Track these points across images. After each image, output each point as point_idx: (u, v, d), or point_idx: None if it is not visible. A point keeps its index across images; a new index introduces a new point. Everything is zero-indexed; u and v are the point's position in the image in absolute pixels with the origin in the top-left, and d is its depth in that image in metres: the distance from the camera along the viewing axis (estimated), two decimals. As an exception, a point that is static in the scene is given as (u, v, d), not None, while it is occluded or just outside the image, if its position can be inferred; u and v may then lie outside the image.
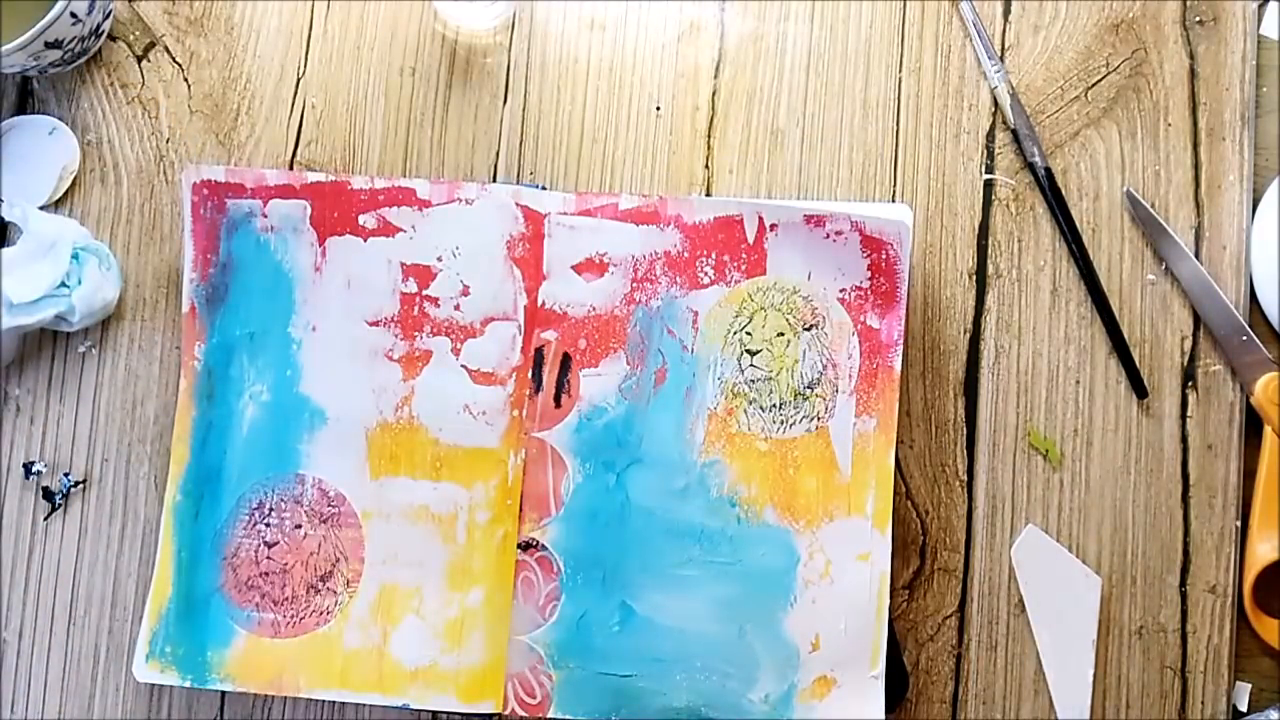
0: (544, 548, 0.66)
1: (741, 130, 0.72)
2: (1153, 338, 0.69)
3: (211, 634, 0.67)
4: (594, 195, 0.69)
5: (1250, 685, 0.67)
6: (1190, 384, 0.69)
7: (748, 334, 0.67)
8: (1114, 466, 0.68)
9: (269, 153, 0.73)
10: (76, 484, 0.71)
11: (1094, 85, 0.71)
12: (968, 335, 0.70)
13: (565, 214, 0.68)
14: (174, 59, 0.74)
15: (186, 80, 0.73)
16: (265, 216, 0.69)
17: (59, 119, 0.73)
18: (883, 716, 0.64)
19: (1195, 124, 0.70)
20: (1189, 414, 0.69)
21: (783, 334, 0.67)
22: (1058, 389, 0.69)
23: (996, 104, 0.71)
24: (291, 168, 0.72)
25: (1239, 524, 0.68)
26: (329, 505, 0.68)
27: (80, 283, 0.69)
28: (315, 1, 0.74)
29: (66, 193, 0.73)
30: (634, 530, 0.66)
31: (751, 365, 0.67)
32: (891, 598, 0.66)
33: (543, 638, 0.66)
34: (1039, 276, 0.70)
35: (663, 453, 0.67)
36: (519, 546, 0.67)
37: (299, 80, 0.73)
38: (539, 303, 0.68)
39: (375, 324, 0.69)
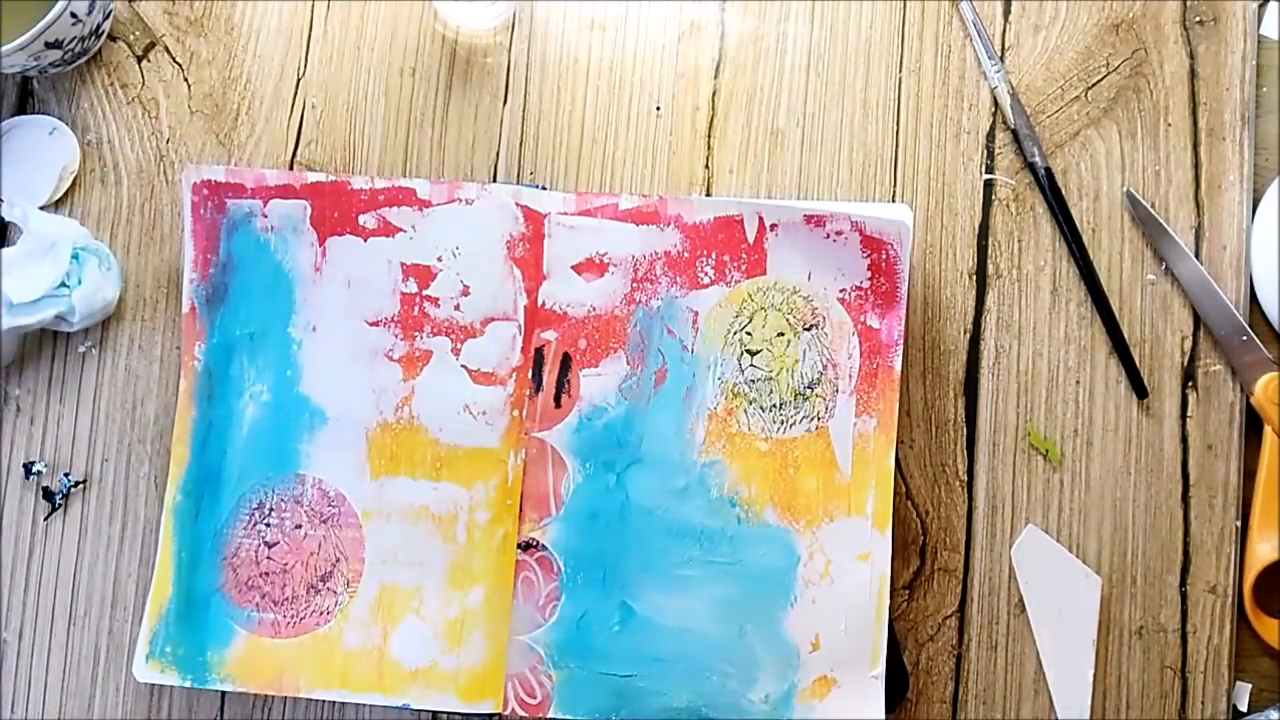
0: (544, 548, 0.66)
1: (741, 130, 0.72)
2: (1153, 338, 0.69)
3: (212, 634, 0.67)
4: (594, 195, 0.69)
5: (1250, 685, 0.67)
6: (1190, 384, 0.69)
7: (748, 334, 0.67)
8: (1114, 466, 0.68)
9: (269, 153, 0.73)
10: (76, 484, 0.71)
11: (1094, 85, 0.71)
12: (968, 335, 0.70)
13: (565, 214, 0.68)
14: (174, 59, 0.74)
15: (186, 80, 0.73)
16: (265, 216, 0.69)
17: (59, 119, 0.73)
18: (883, 716, 0.64)
19: (1195, 124, 0.70)
20: (1189, 414, 0.69)
21: (783, 334, 0.67)
22: (1058, 389, 0.69)
23: (996, 104, 0.71)
24: (291, 168, 0.72)
25: (1239, 524, 0.68)
26: (329, 505, 0.68)
27: (80, 283, 0.69)
28: (315, 1, 0.74)
29: (66, 193, 0.73)
30: (634, 530, 0.66)
31: (751, 365, 0.67)
32: (891, 598, 0.66)
33: (543, 638, 0.66)
34: (1039, 276, 0.70)
35: (663, 453, 0.67)
36: (519, 546, 0.67)
37: (299, 80, 0.73)
38: (539, 303, 0.68)
39: (375, 324, 0.69)
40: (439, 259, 0.68)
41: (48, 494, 0.71)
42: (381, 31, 0.73)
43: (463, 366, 0.68)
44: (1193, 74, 0.71)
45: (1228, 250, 0.70)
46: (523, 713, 0.65)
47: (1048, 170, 0.70)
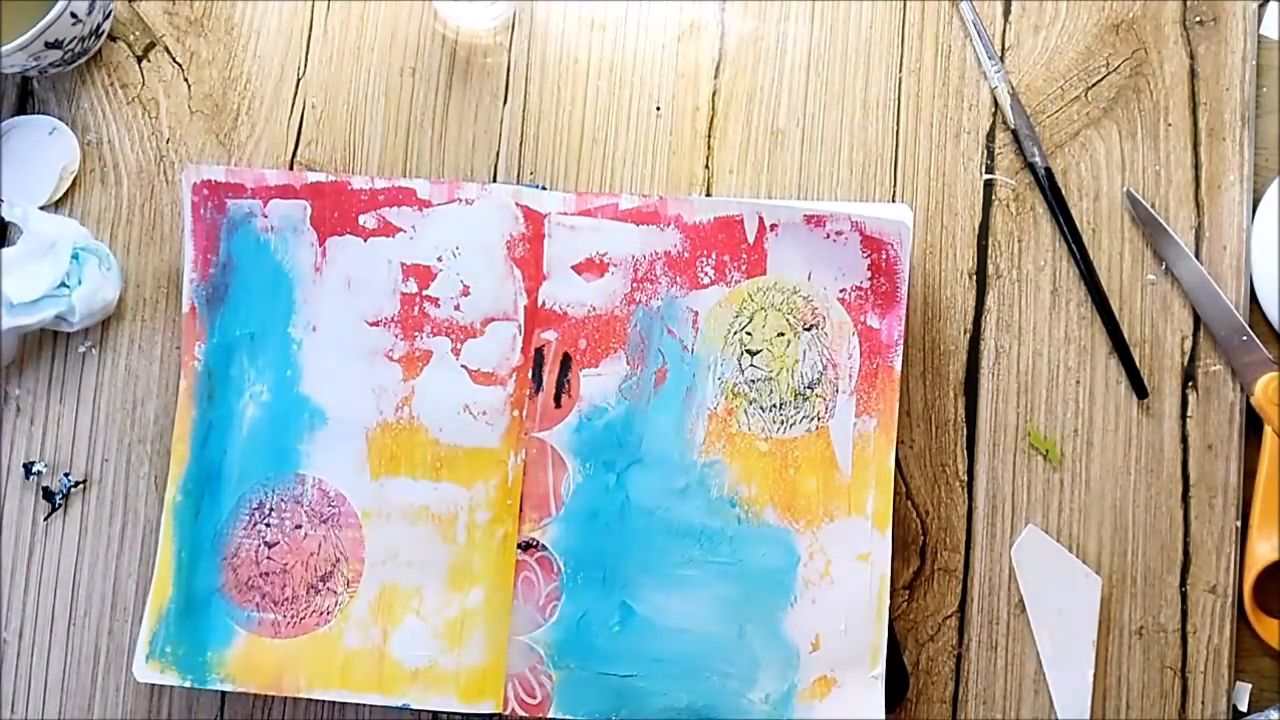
0: (544, 548, 0.66)
1: (741, 130, 0.72)
2: (1153, 338, 0.69)
3: (212, 634, 0.67)
4: (594, 195, 0.69)
5: (1250, 685, 0.67)
6: (1190, 384, 0.69)
7: (748, 334, 0.67)
8: (1114, 466, 0.68)
9: (269, 153, 0.73)
10: (76, 484, 0.71)
11: (1094, 85, 0.71)
12: (968, 335, 0.70)
13: (565, 214, 0.68)
14: (174, 59, 0.74)
15: (186, 80, 0.73)
16: (265, 216, 0.69)
17: (59, 119, 0.73)
18: (883, 716, 0.64)
19: (1195, 124, 0.70)
20: (1189, 414, 0.69)
21: (783, 334, 0.67)
22: (1058, 389, 0.69)
23: (996, 104, 0.71)
24: (291, 168, 0.72)
25: (1239, 524, 0.68)
26: (329, 505, 0.68)
27: (80, 283, 0.69)
28: (315, 1, 0.74)
29: (66, 193, 0.73)
30: (634, 530, 0.66)
31: (752, 365, 0.67)
32: (891, 598, 0.66)
33: (543, 638, 0.66)
34: (1039, 276, 0.70)
35: (663, 453, 0.67)
36: (519, 546, 0.67)
37: (299, 80, 0.73)
38: (539, 303, 0.68)
39: (375, 324, 0.69)
40: (439, 259, 0.68)
41: (48, 494, 0.71)
42: (381, 31, 0.73)
43: (463, 366, 0.68)
44: (1193, 74, 0.71)
45: (1228, 250, 0.70)
46: (523, 713, 0.65)
47: (1048, 170, 0.70)
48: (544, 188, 0.71)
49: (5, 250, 0.68)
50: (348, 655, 0.66)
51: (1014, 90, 0.71)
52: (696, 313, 0.68)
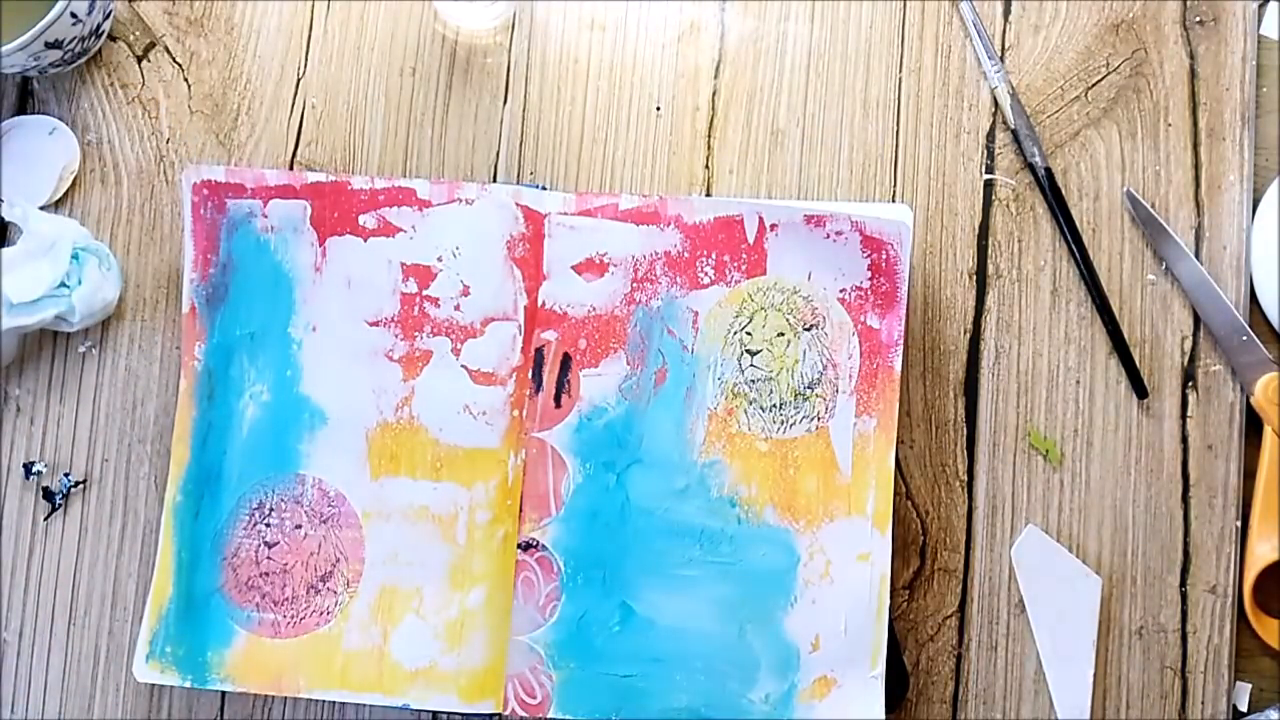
0: (544, 548, 0.66)
1: (741, 130, 0.72)
2: (1153, 338, 0.69)
3: (212, 634, 0.67)
4: (594, 195, 0.69)
5: (1250, 685, 0.67)
6: (1190, 384, 0.69)
7: (748, 334, 0.67)
8: (1114, 466, 0.68)
9: (269, 153, 0.73)
10: (76, 484, 0.71)
11: (1094, 85, 0.71)
12: (968, 335, 0.70)
13: (565, 214, 0.68)
14: (174, 59, 0.74)
15: (186, 80, 0.73)
16: (265, 216, 0.69)
17: (59, 119, 0.73)
18: (883, 716, 0.64)
19: (1195, 124, 0.70)
20: (1189, 414, 0.69)
21: (783, 334, 0.67)
22: (1058, 389, 0.69)
23: (996, 104, 0.71)
24: (291, 168, 0.72)
25: (1239, 524, 0.68)
26: (329, 505, 0.68)
27: (80, 283, 0.69)
28: (315, 1, 0.74)
29: (66, 193, 0.73)
30: (634, 530, 0.66)
31: (752, 365, 0.67)
32: (891, 598, 0.66)
33: (543, 638, 0.66)
34: (1039, 276, 0.70)
35: (663, 453, 0.67)
36: (519, 546, 0.67)
37: (299, 80, 0.73)
38: (539, 303, 0.68)
39: (375, 324, 0.69)
40: (439, 259, 0.68)
41: (48, 494, 0.71)
42: (381, 31, 0.73)
43: (463, 366, 0.68)
44: (1193, 74, 0.71)
45: (1228, 250, 0.70)
46: (523, 713, 0.65)
47: (1048, 170, 0.70)
48: (544, 188, 0.71)
49: (5, 250, 0.68)
50: (348, 655, 0.66)
51: (1014, 90, 0.71)
52: (696, 313, 0.68)
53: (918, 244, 0.70)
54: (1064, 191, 0.70)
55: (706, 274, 0.68)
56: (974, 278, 0.70)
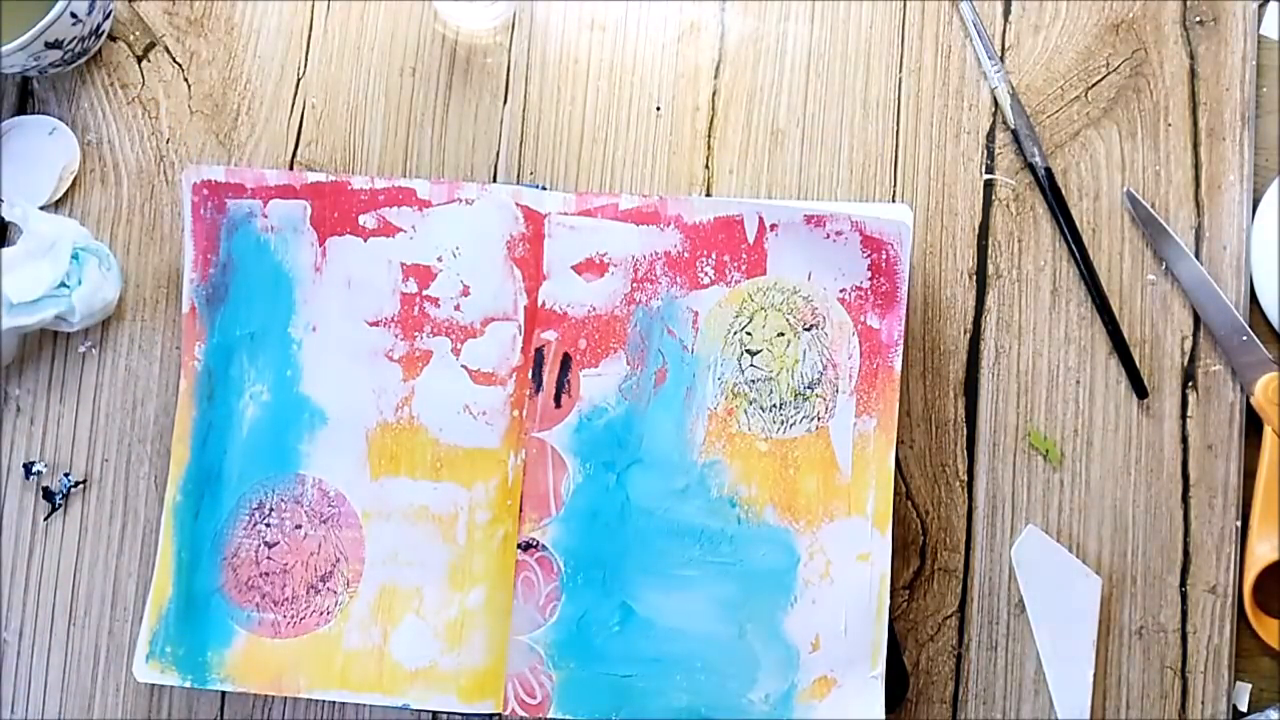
0: (544, 548, 0.66)
1: (741, 130, 0.72)
2: (1153, 338, 0.69)
3: (212, 634, 0.67)
4: (594, 195, 0.69)
5: (1250, 685, 0.67)
6: (1190, 384, 0.69)
7: (748, 334, 0.67)
8: (1114, 466, 0.68)
9: (269, 153, 0.73)
10: (76, 484, 0.71)
11: (1094, 85, 0.71)
12: (968, 335, 0.70)
13: (565, 214, 0.68)
14: (174, 59, 0.74)
15: (186, 80, 0.73)
16: (265, 216, 0.69)
17: (59, 119, 0.73)
18: (883, 716, 0.64)
19: (1195, 124, 0.70)
20: (1189, 414, 0.69)
21: (783, 334, 0.67)
22: (1058, 389, 0.69)
23: (996, 104, 0.71)
24: (291, 168, 0.72)
25: (1239, 524, 0.68)
26: (329, 505, 0.68)
27: (80, 283, 0.69)
28: (315, 1, 0.74)
29: (66, 193, 0.73)
30: (634, 530, 0.66)
31: (752, 365, 0.67)
32: (891, 598, 0.66)
33: (543, 638, 0.66)
34: (1039, 276, 0.70)
35: (663, 453, 0.67)
36: (519, 546, 0.67)
37: (299, 80, 0.73)
38: (539, 303, 0.68)
39: (375, 324, 0.69)
40: (439, 259, 0.68)
41: (48, 494, 0.71)
42: (381, 31, 0.73)
43: (463, 366, 0.68)
44: (1193, 74, 0.71)
45: (1228, 250, 0.70)
46: (523, 713, 0.65)
47: (1048, 170, 0.70)
48: (544, 188, 0.71)
49: (5, 250, 0.68)
50: (348, 655, 0.67)
51: (1014, 90, 0.71)
52: (696, 313, 0.68)
53: (918, 244, 0.70)
54: (1064, 191, 0.70)
55: (706, 274, 0.68)
56: (974, 278, 0.70)
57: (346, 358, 0.69)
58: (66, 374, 0.71)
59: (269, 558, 0.68)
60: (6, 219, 0.70)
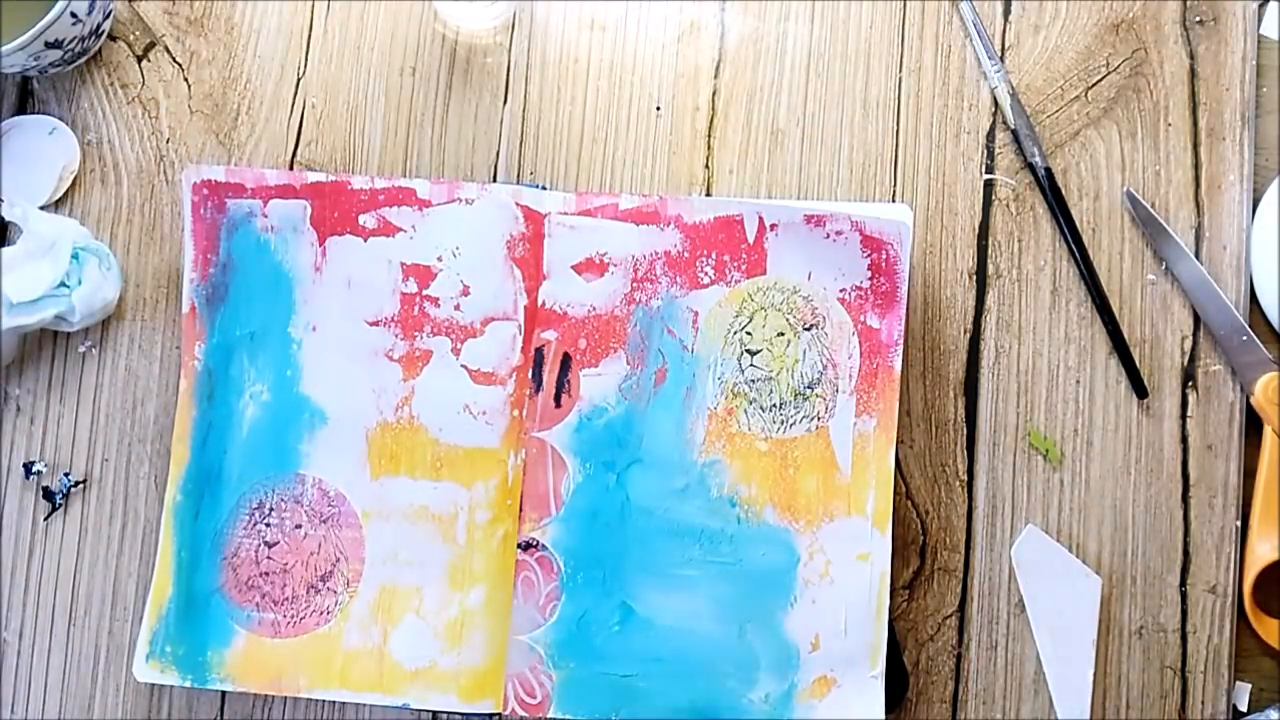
0: (544, 548, 0.66)
1: (741, 130, 0.72)
2: (1153, 338, 0.69)
3: (212, 634, 0.67)
4: (594, 195, 0.69)
5: (1250, 685, 0.67)
6: (1190, 384, 0.69)
7: (748, 334, 0.67)
8: (1114, 466, 0.68)
9: (269, 153, 0.73)
10: (76, 484, 0.71)
11: (1094, 85, 0.71)
12: (968, 335, 0.70)
13: (565, 214, 0.68)
14: (174, 59, 0.74)
15: (186, 80, 0.73)
16: (265, 216, 0.69)
17: (59, 119, 0.73)
18: (883, 716, 0.64)
19: (1195, 124, 0.70)
20: (1189, 414, 0.69)
21: (783, 334, 0.67)
22: (1058, 389, 0.69)
23: (996, 104, 0.71)
24: (291, 168, 0.72)
25: (1239, 524, 0.68)
26: (329, 505, 0.68)
27: (80, 283, 0.69)
28: (315, 1, 0.74)
29: (66, 193, 0.73)
30: (634, 530, 0.66)
31: (752, 365, 0.67)
32: (891, 598, 0.66)
33: (543, 638, 0.66)
34: (1039, 276, 0.70)
35: (663, 453, 0.67)
36: (519, 546, 0.67)
37: (299, 80, 0.73)
38: (539, 303, 0.68)
39: (375, 324, 0.69)
40: (439, 259, 0.68)
41: (48, 494, 0.71)
42: (381, 31, 0.73)
43: (463, 366, 0.68)
44: (1193, 74, 0.71)
45: (1228, 250, 0.70)
46: (523, 713, 0.66)
47: (1048, 170, 0.70)
48: (544, 188, 0.71)
49: (5, 250, 0.68)
50: (348, 655, 0.67)
51: (1014, 90, 0.71)
52: (696, 313, 0.68)
53: (918, 244, 0.70)
54: (1064, 191, 0.70)
55: (706, 274, 0.68)
56: (974, 277, 0.70)
57: (346, 357, 0.69)
58: (66, 374, 0.71)
59: (269, 557, 0.68)
60: (6, 219, 0.70)
